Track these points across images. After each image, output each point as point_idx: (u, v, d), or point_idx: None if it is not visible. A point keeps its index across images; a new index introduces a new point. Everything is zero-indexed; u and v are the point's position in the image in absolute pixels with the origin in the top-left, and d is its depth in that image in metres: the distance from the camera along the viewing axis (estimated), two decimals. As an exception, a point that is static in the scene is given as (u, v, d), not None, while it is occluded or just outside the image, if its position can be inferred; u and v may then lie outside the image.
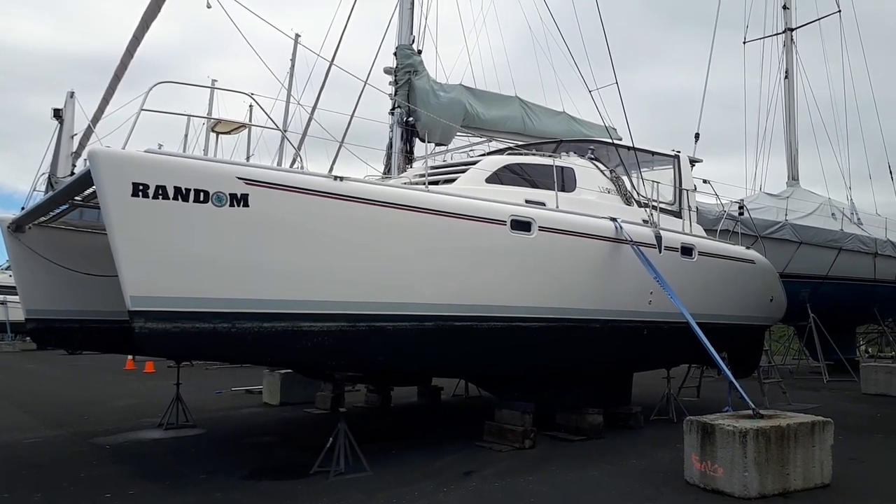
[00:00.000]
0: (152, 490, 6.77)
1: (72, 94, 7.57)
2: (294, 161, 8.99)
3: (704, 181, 12.59)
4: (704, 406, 11.75)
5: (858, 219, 19.74)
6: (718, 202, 13.43)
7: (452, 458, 8.09)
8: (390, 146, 11.64)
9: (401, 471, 7.47)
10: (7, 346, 35.77)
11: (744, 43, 22.13)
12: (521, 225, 8.20)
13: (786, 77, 20.99)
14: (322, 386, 12.57)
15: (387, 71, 11.82)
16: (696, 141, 18.76)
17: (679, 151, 11.86)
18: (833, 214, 18.58)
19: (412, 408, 13.29)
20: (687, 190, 11.51)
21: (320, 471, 7.23)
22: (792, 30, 21.32)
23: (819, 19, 21.67)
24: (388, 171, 11.49)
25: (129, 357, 22.03)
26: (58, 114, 7.54)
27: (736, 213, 13.28)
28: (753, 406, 7.12)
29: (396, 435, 10.07)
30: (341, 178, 7.07)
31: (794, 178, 20.62)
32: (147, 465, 8.09)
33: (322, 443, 7.48)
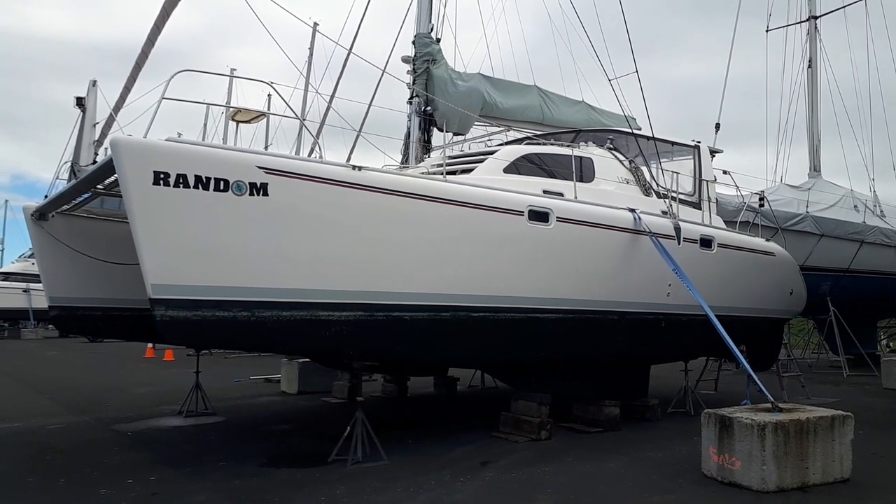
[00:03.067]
0: (173, 476, 6.86)
1: (94, 83, 7.63)
2: (312, 150, 9.02)
3: (724, 172, 12.44)
4: (722, 399, 11.69)
5: (882, 211, 19.43)
6: (738, 194, 13.30)
7: (469, 449, 8.12)
8: (408, 135, 11.63)
9: (417, 460, 7.51)
10: (30, 334, 36.40)
11: (766, 31, 21.82)
12: (539, 215, 8.17)
13: (809, 66, 20.65)
14: (339, 375, 12.66)
15: (405, 60, 11.79)
16: (716, 131, 18.51)
17: (699, 142, 11.74)
18: (855, 206, 18.28)
19: (428, 398, 13.34)
20: (707, 181, 11.40)
21: (338, 459, 7.29)
22: (816, 18, 20.94)
23: (844, 7, 21.29)
24: (405, 160, 11.49)
25: (149, 345, 22.34)
26: (80, 102, 7.61)
27: (756, 205, 13.12)
28: (772, 399, 7.06)
29: (413, 425, 10.12)
30: (359, 168, 7.07)
31: (815, 169, 20.30)
32: (168, 452, 8.20)
33: (339, 431, 7.54)
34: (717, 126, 18.17)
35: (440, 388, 13.86)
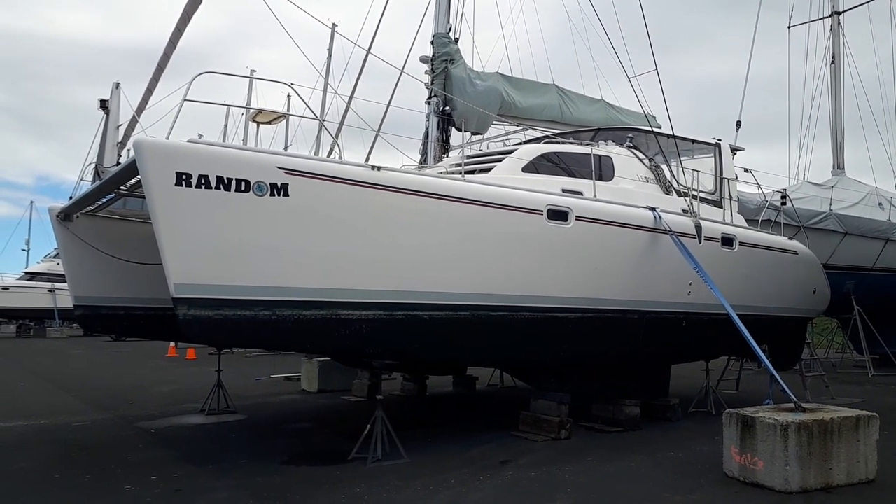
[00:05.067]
0: (196, 473, 6.94)
1: (117, 86, 7.74)
2: (331, 150, 9.08)
3: (746, 170, 12.34)
4: (744, 399, 11.57)
5: (907, 209, 19.11)
6: (760, 192, 13.16)
7: (488, 447, 8.12)
8: (426, 135, 11.67)
9: (437, 458, 7.53)
10: (55, 333, 37.01)
11: (788, 27, 21.57)
12: (558, 214, 8.15)
13: (832, 62, 20.37)
14: (359, 374, 12.72)
15: (423, 60, 11.84)
16: (737, 129, 18.33)
17: (720, 139, 11.64)
18: (880, 204, 18.01)
19: (447, 397, 13.37)
20: (728, 179, 11.30)
21: (358, 457, 7.33)
22: (839, 13, 20.65)
23: (868, 2, 20.97)
24: (424, 160, 11.52)
25: (172, 344, 22.62)
26: (104, 104, 7.72)
27: (778, 203, 12.98)
28: (795, 399, 6.98)
29: (432, 423, 10.15)
30: (379, 168, 7.10)
31: (839, 166, 20.02)
32: (190, 450, 8.29)
33: (359, 429, 7.59)
34: (738, 124, 17.99)
35: (459, 387, 13.90)
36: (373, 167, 7.09)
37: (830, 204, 16.37)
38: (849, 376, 16.98)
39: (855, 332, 17.94)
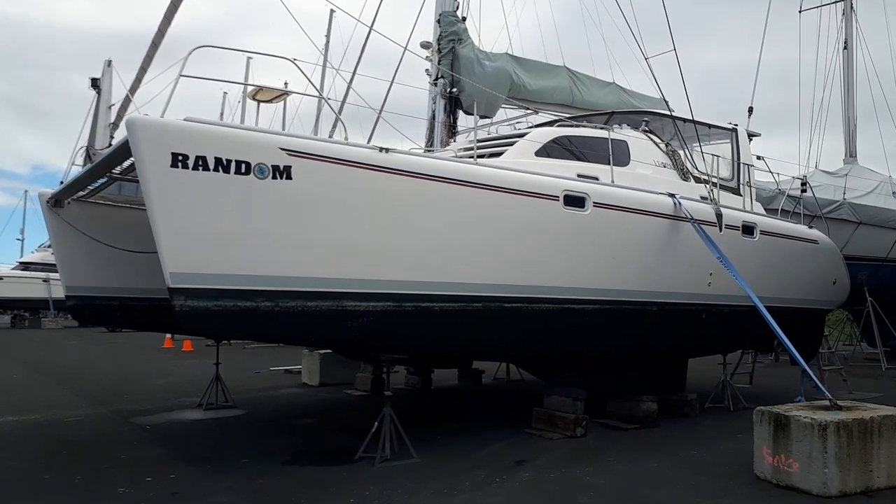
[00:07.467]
0: (193, 474, 6.53)
1: (109, 63, 7.28)
2: (334, 127, 8.67)
3: (758, 157, 11.92)
4: (758, 393, 11.27)
5: (922, 198, 18.71)
6: (775, 179, 12.74)
7: (501, 446, 7.72)
8: (432, 118, 11.21)
9: (449, 458, 7.13)
10: (50, 324, 36.65)
11: (799, 12, 21.10)
12: (575, 200, 7.72)
13: (844, 48, 19.91)
14: (362, 367, 12.32)
15: (423, 45, 11.42)
16: (749, 116, 17.89)
17: (736, 124, 11.21)
18: (894, 193, 17.64)
19: (453, 391, 12.97)
20: (747, 165, 10.88)
21: (365, 456, 6.93)
22: (852, -4, 20.21)
23: (881, -15, 20.52)
24: (430, 144, 11.08)
25: (168, 335, 22.22)
26: (95, 83, 7.25)
27: (797, 191, 12.55)
28: (830, 396, 6.58)
29: (440, 419, 9.77)
30: (387, 150, 6.65)
31: (851, 154, 19.64)
32: (188, 448, 7.90)
33: (364, 425, 7.21)
34: (751, 110, 17.55)
35: (465, 381, 13.50)
36: (381, 149, 6.63)
37: (844, 193, 15.98)
38: (862, 370, 16.62)
39: (867, 324, 17.59)
